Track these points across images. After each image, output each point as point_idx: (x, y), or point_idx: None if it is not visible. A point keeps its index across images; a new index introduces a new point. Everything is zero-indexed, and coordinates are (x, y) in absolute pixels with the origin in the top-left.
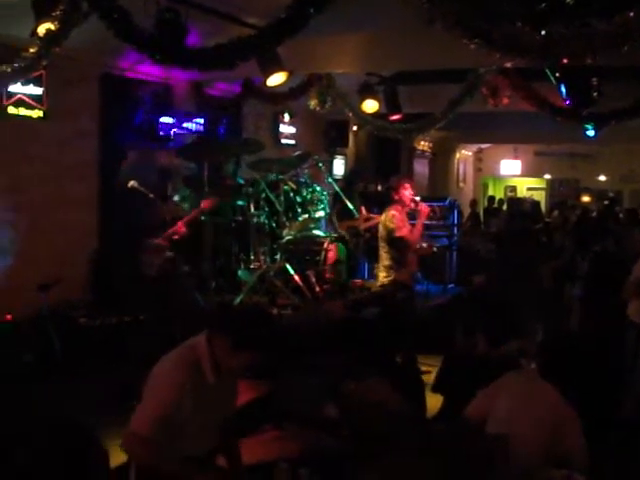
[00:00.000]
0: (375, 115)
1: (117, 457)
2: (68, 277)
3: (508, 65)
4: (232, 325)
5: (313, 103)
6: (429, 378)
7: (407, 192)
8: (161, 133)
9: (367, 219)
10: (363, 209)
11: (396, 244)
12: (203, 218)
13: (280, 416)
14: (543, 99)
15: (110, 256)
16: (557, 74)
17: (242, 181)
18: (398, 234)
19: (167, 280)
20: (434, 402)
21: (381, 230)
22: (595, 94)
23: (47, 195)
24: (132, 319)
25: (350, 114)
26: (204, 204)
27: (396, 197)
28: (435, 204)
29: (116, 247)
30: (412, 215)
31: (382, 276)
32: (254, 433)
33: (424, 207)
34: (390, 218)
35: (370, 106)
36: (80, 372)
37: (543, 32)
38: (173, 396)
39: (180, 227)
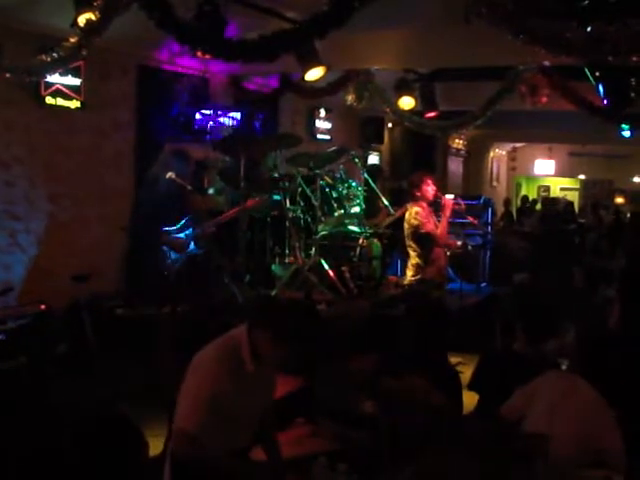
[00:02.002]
0: (411, 112)
1: (152, 448)
2: (105, 268)
3: (547, 63)
4: (275, 318)
5: (350, 98)
6: (464, 377)
7: (429, 188)
8: (197, 126)
9: (388, 215)
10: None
11: (422, 240)
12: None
13: (315, 411)
14: (581, 98)
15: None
16: (596, 73)
17: (278, 175)
18: (423, 230)
19: (197, 273)
20: (470, 400)
21: (406, 228)
22: (633, 94)
23: (84, 185)
24: (169, 311)
25: (387, 110)
26: (249, 203)
27: (418, 194)
28: (468, 202)
29: (143, 239)
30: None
31: (410, 275)
32: (288, 428)
33: (448, 201)
34: (414, 215)
35: (406, 103)
36: (114, 363)
37: (589, 29)
38: (214, 389)
39: (208, 228)
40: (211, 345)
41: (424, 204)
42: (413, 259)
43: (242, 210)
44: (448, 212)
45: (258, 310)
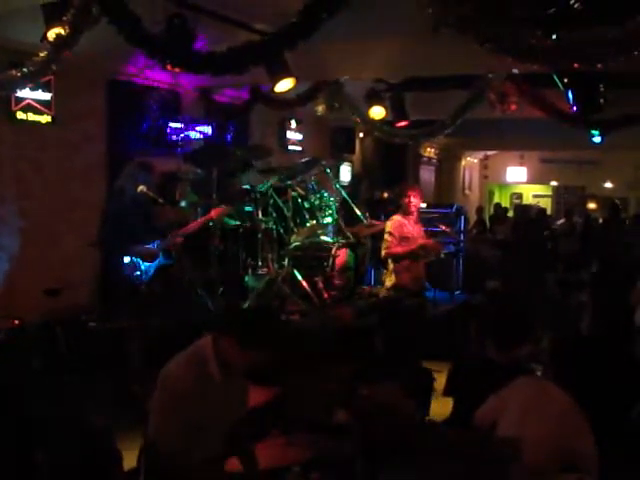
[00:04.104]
0: (382, 122)
1: (126, 462)
2: (77, 281)
3: (516, 71)
4: (238, 324)
5: (321, 109)
6: (439, 385)
7: (407, 200)
8: (168, 139)
9: (369, 226)
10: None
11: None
12: (211, 224)
13: (288, 422)
14: (550, 105)
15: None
16: (565, 80)
17: (249, 187)
18: (383, 246)
19: (169, 285)
20: (444, 406)
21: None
22: (602, 100)
23: (55, 200)
24: (141, 324)
25: (357, 120)
26: (213, 213)
27: (401, 204)
28: (441, 210)
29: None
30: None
31: (387, 282)
32: (261, 439)
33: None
34: (389, 224)
35: (377, 112)
36: (89, 377)
37: (554, 37)
38: (182, 400)
39: (176, 239)
40: (177, 359)
41: (410, 217)
42: (391, 265)
43: (207, 220)
44: (407, 250)
45: (222, 319)
